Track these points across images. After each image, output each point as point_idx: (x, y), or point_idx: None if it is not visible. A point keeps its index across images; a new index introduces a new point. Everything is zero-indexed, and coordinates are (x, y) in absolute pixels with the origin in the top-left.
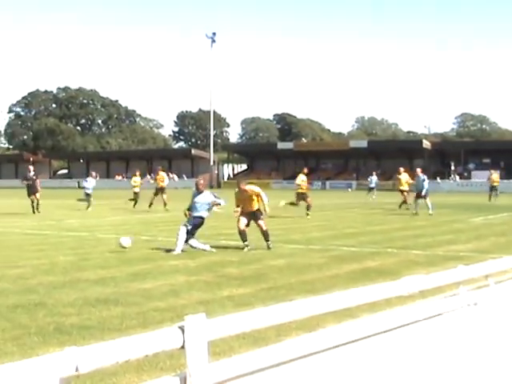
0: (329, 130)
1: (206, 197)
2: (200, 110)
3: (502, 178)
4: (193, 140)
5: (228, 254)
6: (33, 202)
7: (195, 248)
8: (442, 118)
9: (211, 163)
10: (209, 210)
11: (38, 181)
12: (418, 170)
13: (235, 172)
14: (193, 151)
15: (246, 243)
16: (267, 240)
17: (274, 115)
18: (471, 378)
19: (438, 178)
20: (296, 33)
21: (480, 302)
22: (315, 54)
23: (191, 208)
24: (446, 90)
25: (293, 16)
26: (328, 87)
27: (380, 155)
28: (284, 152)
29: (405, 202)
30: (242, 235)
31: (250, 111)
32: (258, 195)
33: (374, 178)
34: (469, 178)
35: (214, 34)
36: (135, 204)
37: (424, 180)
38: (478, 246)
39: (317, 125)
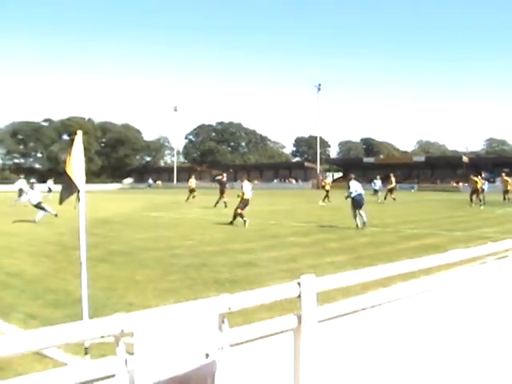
0: (398, 149)
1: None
2: (310, 135)
3: None
4: (305, 156)
5: (329, 233)
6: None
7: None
8: (476, 140)
9: (318, 172)
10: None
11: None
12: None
13: (334, 178)
14: (305, 164)
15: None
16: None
17: (361, 139)
18: (495, 321)
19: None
20: (381, 72)
21: (502, 268)
22: (390, 88)
23: None
24: (479, 119)
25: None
26: (398, 116)
27: (433, 166)
28: (367, 164)
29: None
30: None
31: (344, 135)
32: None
33: (377, 182)
34: (494, 182)
35: (320, 84)
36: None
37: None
38: (500, 230)
39: (390, 145)
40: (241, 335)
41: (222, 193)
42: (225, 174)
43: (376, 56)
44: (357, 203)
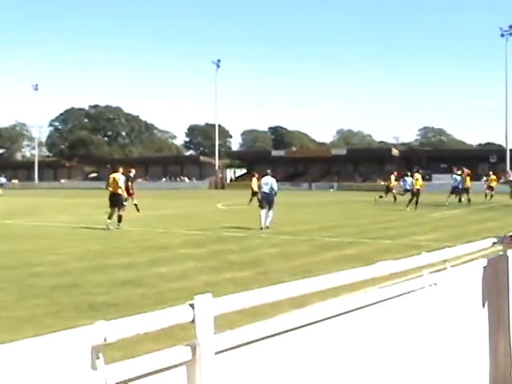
0: (314, 140)
1: None
2: (207, 123)
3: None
4: (201, 148)
5: (229, 243)
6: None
7: None
8: (408, 130)
9: (216, 168)
10: None
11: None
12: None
13: (236, 175)
14: (201, 158)
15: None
16: None
17: (269, 128)
18: (430, 339)
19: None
20: (288, 59)
21: (439, 283)
22: (305, 75)
23: None
24: (412, 106)
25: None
26: (314, 103)
27: (357, 161)
28: (277, 158)
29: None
30: None
31: (248, 124)
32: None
33: (408, 180)
34: (430, 180)
35: (219, 60)
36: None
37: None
38: (436, 237)
39: (304, 136)
40: (120, 373)
41: (129, 193)
42: (133, 170)
43: (283, 38)
44: (263, 201)
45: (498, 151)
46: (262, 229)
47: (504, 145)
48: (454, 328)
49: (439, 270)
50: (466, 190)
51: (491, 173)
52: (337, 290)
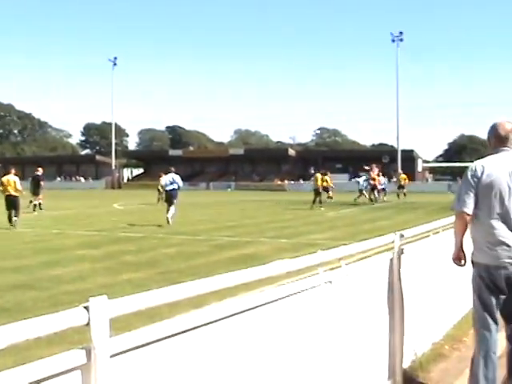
0: (212, 140)
1: None
2: (103, 122)
3: (350, 180)
4: (97, 148)
5: (126, 243)
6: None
7: None
8: (304, 130)
9: (113, 167)
10: None
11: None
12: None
13: (133, 175)
14: (97, 157)
15: None
16: None
17: (167, 127)
18: (327, 335)
19: (301, 180)
20: (183, 58)
21: (334, 280)
22: (203, 75)
23: None
24: (308, 107)
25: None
26: (212, 103)
27: (254, 161)
28: (174, 158)
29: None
30: None
31: (145, 123)
32: None
33: (361, 180)
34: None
35: (116, 58)
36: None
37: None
38: (332, 235)
39: (202, 135)
40: (11, 381)
41: (35, 193)
42: (40, 169)
43: (182, 37)
44: (168, 197)
45: (390, 152)
46: (168, 223)
47: (396, 145)
48: (351, 324)
49: (335, 268)
50: (374, 188)
51: (401, 171)
52: (234, 289)
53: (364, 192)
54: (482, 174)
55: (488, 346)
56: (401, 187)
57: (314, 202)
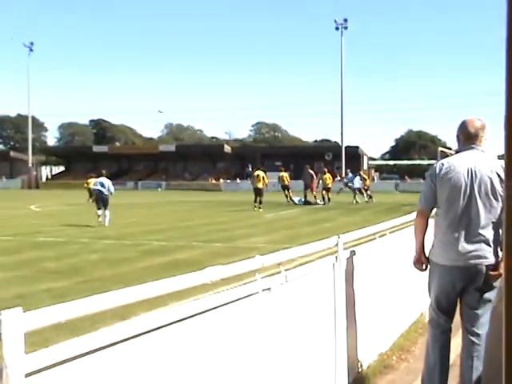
0: (140, 135)
1: None
2: (19, 114)
3: (291, 178)
4: (11, 143)
5: (45, 249)
6: None
7: None
8: (241, 125)
9: (30, 165)
10: None
11: None
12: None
13: (53, 173)
14: (11, 154)
15: None
16: None
17: (90, 121)
18: (269, 344)
19: (238, 179)
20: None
21: (273, 287)
22: (130, 66)
23: None
24: (245, 100)
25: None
26: (140, 95)
27: (187, 158)
28: (99, 155)
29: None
30: None
31: (67, 116)
32: None
33: (356, 179)
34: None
35: (32, 43)
36: None
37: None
38: (271, 239)
39: (130, 130)
40: None
41: None
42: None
43: (107, 27)
44: (99, 201)
45: (334, 148)
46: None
47: (340, 141)
48: (291, 334)
49: (274, 274)
50: (328, 190)
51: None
52: (165, 298)
53: (358, 192)
54: (441, 171)
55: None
56: (365, 190)
57: (255, 201)
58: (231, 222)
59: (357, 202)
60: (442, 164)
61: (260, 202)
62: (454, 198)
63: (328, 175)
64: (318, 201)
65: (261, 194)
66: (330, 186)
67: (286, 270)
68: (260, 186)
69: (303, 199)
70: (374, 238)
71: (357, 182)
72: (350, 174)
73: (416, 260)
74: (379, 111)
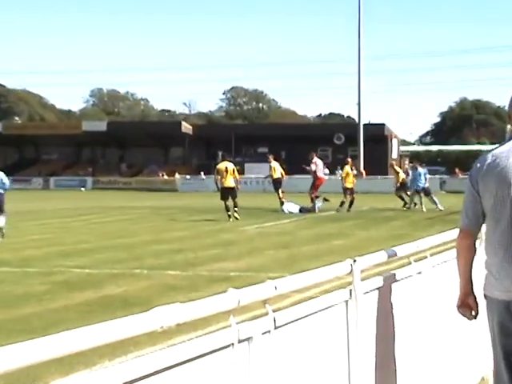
0: (53, 106)
1: None
2: None
3: (287, 173)
4: None
5: None
6: None
7: None
8: (208, 93)
9: None
10: None
11: None
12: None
13: None
14: None
15: None
16: None
17: None
18: None
19: (203, 174)
20: None
21: (255, 337)
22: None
23: None
24: (213, 58)
25: None
26: (53, 50)
27: (125, 142)
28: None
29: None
30: None
31: None
32: None
33: (422, 172)
34: (242, 173)
35: None
36: None
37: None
38: (252, 263)
39: (36, 98)
40: None
41: None
42: None
43: None
44: None
45: (347, 127)
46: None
47: (356, 117)
48: None
49: (256, 318)
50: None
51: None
52: (91, 355)
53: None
54: (482, 169)
55: None
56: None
57: (227, 208)
58: (192, 238)
59: (422, 209)
60: (485, 158)
61: (235, 206)
62: (503, 203)
63: (348, 169)
64: (317, 206)
65: (234, 195)
66: (350, 185)
67: (274, 311)
68: (232, 183)
69: (304, 207)
70: (409, 263)
71: (422, 178)
72: (410, 171)
73: (460, 302)
74: (414, 71)
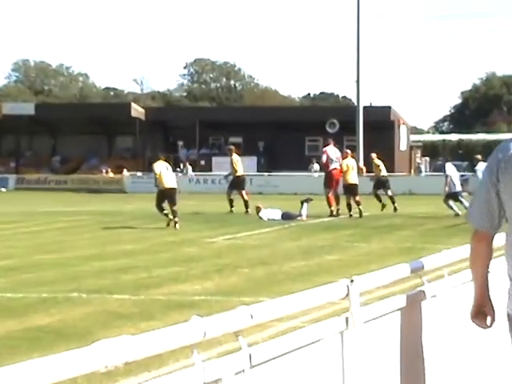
0: None
1: None
2: None
3: (261, 168)
4: None
5: None
6: None
7: None
8: (165, 67)
9: None
10: None
11: None
12: None
13: None
14: None
15: None
16: None
17: None
18: None
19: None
20: None
21: (226, 378)
22: None
23: None
24: (172, 26)
25: None
26: None
27: (58, 130)
28: None
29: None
30: None
31: None
32: None
33: (451, 169)
34: (208, 169)
35: None
36: None
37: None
38: (221, 284)
39: None
40: None
41: None
42: None
43: None
44: None
45: (342, 111)
46: None
47: (355, 98)
48: None
49: (228, 353)
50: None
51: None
52: None
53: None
54: (505, 159)
55: None
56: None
57: (161, 210)
58: (145, 252)
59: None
60: (508, 147)
61: (174, 213)
62: None
63: (349, 162)
64: (301, 215)
65: (173, 198)
66: (353, 181)
67: (250, 346)
68: (172, 184)
69: (287, 213)
70: (421, 284)
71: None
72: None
73: (475, 311)
74: (428, 39)
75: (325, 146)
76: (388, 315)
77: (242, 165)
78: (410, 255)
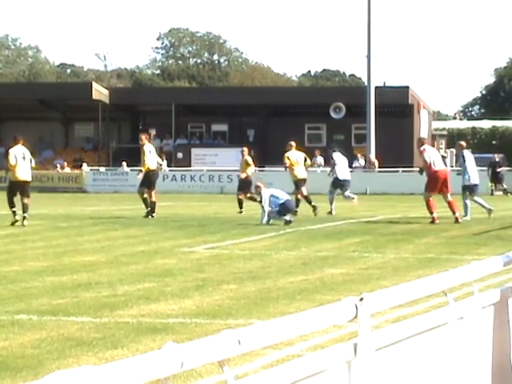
0: None
1: None
2: None
3: (257, 163)
4: None
5: None
6: None
7: None
8: (133, 39)
9: None
10: None
11: None
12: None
13: None
14: None
15: None
16: None
17: None
18: None
19: (125, 164)
20: None
21: None
22: None
23: None
24: None
25: None
26: None
27: (2, 115)
28: None
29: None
30: None
31: None
32: None
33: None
34: (187, 163)
35: None
36: None
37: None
38: (203, 304)
39: None
40: None
41: None
42: None
43: None
44: None
45: (349, 92)
46: None
47: (361, 76)
48: None
49: None
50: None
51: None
52: None
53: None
54: None
55: None
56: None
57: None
58: (110, 264)
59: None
60: None
61: (24, 207)
62: None
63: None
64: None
65: (25, 191)
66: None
67: (237, 379)
68: (26, 177)
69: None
70: (445, 303)
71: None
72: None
73: None
74: (453, 9)
75: (421, 146)
76: (404, 341)
77: (227, 157)
78: (433, 268)
